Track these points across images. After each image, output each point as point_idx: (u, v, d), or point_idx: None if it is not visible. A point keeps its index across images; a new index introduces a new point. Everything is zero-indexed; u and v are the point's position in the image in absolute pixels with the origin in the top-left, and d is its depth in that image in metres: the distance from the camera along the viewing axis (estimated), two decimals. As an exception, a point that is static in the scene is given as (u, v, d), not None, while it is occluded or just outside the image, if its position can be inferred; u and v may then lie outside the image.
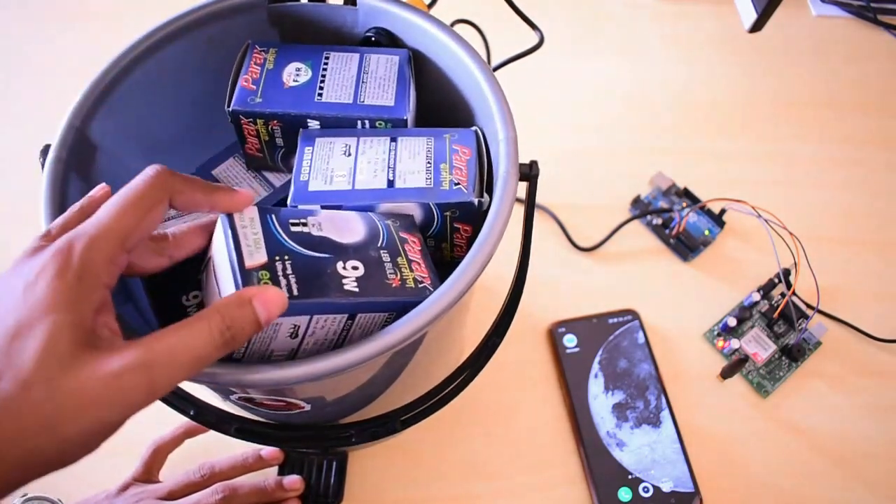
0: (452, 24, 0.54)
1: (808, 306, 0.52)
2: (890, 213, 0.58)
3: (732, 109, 0.64)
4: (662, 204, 0.58)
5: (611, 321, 0.48)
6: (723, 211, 0.56)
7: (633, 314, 0.49)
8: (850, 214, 0.58)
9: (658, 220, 0.57)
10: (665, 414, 0.45)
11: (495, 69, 0.43)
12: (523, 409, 0.49)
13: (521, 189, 0.32)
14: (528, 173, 0.33)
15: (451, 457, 0.47)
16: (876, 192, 0.59)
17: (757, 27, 0.52)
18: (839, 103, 0.65)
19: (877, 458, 0.47)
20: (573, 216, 0.57)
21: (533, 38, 0.43)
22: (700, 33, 0.70)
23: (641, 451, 0.44)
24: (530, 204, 0.34)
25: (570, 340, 0.47)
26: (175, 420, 0.44)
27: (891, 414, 0.49)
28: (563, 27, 0.70)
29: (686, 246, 0.55)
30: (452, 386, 0.34)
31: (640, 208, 0.58)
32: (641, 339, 0.48)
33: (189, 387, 0.34)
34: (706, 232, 0.56)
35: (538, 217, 0.57)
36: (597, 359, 0.46)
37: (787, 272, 0.53)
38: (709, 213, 0.57)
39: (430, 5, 0.46)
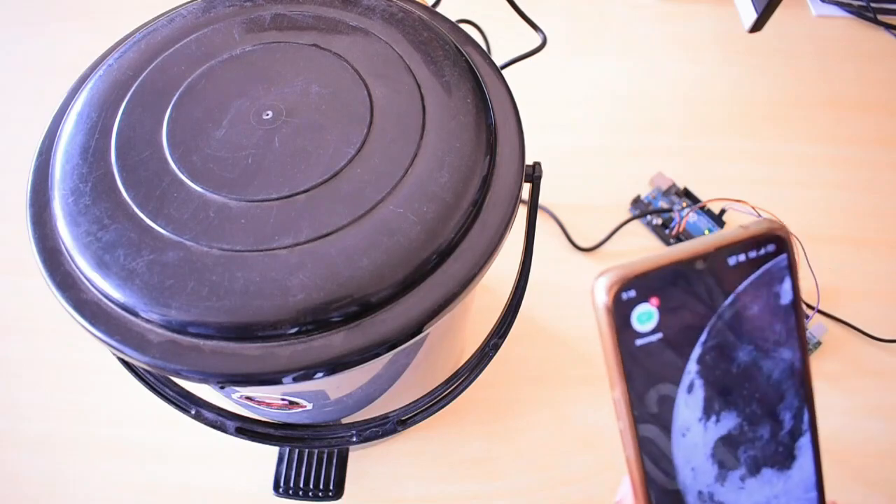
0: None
1: (808, 306, 0.52)
2: (890, 213, 0.58)
3: (732, 109, 0.64)
4: (662, 204, 0.58)
5: (732, 261, 0.20)
6: (723, 211, 0.56)
7: (778, 241, 0.20)
8: (850, 214, 0.58)
9: (658, 220, 0.57)
10: (804, 441, 0.24)
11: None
12: (524, 408, 0.49)
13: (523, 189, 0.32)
14: (532, 174, 0.33)
15: (452, 456, 0.47)
16: (876, 191, 0.59)
17: (757, 27, 0.52)
18: (839, 103, 0.65)
19: (877, 458, 0.47)
20: (573, 216, 0.57)
21: (534, 38, 0.43)
22: (700, 33, 0.70)
23: None
24: (533, 205, 0.34)
25: (644, 318, 0.20)
26: (176, 419, 0.44)
27: (891, 414, 0.49)
28: (563, 27, 0.70)
29: (686, 246, 0.55)
30: (454, 386, 0.34)
31: (640, 208, 0.58)
32: (787, 294, 0.21)
33: (190, 385, 0.35)
34: (706, 232, 0.56)
35: (538, 217, 0.57)
36: (695, 351, 0.21)
37: (787, 272, 0.52)
38: (709, 213, 0.57)
39: (435, 5, 0.46)
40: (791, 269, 0.21)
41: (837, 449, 0.47)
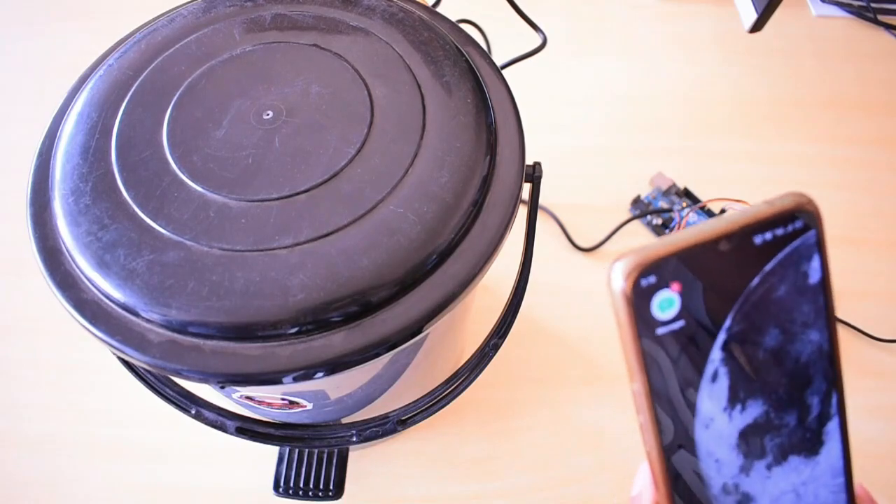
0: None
1: (808, 306, 0.52)
2: (891, 213, 0.58)
3: (732, 109, 0.64)
4: (662, 204, 0.58)
5: (758, 240, 0.18)
6: (723, 211, 0.56)
7: (806, 216, 0.18)
8: (850, 214, 0.58)
9: (658, 220, 0.57)
10: (833, 426, 0.22)
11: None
12: (524, 408, 0.49)
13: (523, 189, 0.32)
14: (532, 175, 0.33)
15: (452, 456, 0.47)
16: (876, 192, 0.59)
17: (757, 27, 0.52)
18: (839, 103, 0.65)
19: (877, 458, 0.47)
20: (573, 216, 0.57)
21: (534, 38, 0.43)
22: (700, 33, 0.70)
23: (780, 503, 0.23)
24: (533, 205, 0.34)
25: (665, 305, 0.18)
26: (176, 419, 0.44)
27: (891, 414, 0.49)
28: (563, 27, 0.70)
29: (686, 246, 0.55)
30: (454, 386, 0.34)
31: (640, 208, 0.58)
32: (816, 273, 0.20)
33: (190, 385, 0.35)
34: (706, 232, 0.56)
35: (538, 217, 0.57)
36: (720, 338, 0.19)
37: (787, 272, 0.53)
38: (709, 213, 0.57)
39: (435, 5, 0.46)
40: (820, 245, 0.19)
41: (837, 449, 0.47)
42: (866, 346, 0.51)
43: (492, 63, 0.33)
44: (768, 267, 0.19)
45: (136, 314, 0.25)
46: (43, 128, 0.31)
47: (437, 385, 0.34)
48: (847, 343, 0.52)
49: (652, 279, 0.17)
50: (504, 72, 0.34)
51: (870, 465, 0.47)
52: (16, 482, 0.46)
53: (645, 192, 0.59)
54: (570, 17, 0.71)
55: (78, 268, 0.26)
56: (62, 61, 0.68)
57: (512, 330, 0.34)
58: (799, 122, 0.63)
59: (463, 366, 0.34)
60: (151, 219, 0.26)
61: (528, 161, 0.32)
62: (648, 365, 0.18)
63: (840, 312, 0.52)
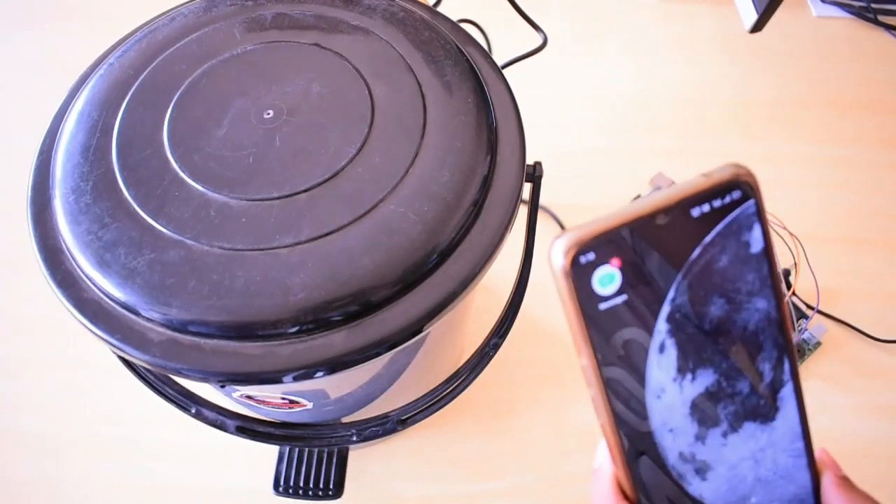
0: (454, 24, 0.54)
1: (808, 307, 0.52)
2: (890, 213, 0.58)
3: (733, 109, 0.64)
4: (663, 204, 0.58)
5: (695, 213, 0.19)
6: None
7: (744, 187, 0.19)
8: (850, 214, 0.58)
9: (658, 220, 0.57)
10: (787, 392, 0.22)
11: (497, 69, 0.43)
12: (524, 408, 0.49)
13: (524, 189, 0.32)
14: (533, 174, 0.33)
15: (451, 455, 0.47)
16: (876, 191, 0.59)
17: (757, 28, 0.52)
18: (839, 103, 0.65)
19: (877, 458, 0.47)
20: (573, 216, 0.57)
21: (535, 38, 0.43)
22: (701, 34, 0.70)
23: (739, 469, 0.23)
24: (533, 205, 0.34)
25: (606, 280, 0.19)
26: (176, 418, 0.44)
27: (891, 414, 0.49)
28: (564, 27, 0.70)
29: (686, 246, 0.55)
30: (454, 386, 0.34)
31: (641, 208, 0.58)
32: (758, 242, 0.19)
33: (190, 384, 0.35)
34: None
35: (538, 217, 0.57)
36: (664, 310, 0.20)
37: (786, 272, 0.53)
38: (709, 213, 0.57)
39: (435, 5, 0.46)
40: (760, 215, 0.19)
41: (837, 449, 0.47)
42: (866, 346, 0.51)
43: (492, 63, 0.33)
44: (708, 238, 0.19)
45: (137, 313, 0.25)
46: (43, 127, 0.31)
47: (436, 385, 0.34)
48: (847, 343, 0.52)
49: (591, 255, 0.18)
50: (504, 71, 0.34)
51: (870, 465, 0.47)
52: (16, 482, 0.46)
53: (645, 191, 0.59)
54: (570, 17, 0.71)
55: (78, 267, 0.26)
56: (62, 61, 0.68)
57: (512, 330, 0.34)
58: (799, 123, 0.64)
59: (463, 366, 0.34)
60: (152, 218, 0.26)
61: (529, 161, 0.32)
62: (594, 339, 0.19)
63: (840, 312, 0.52)
